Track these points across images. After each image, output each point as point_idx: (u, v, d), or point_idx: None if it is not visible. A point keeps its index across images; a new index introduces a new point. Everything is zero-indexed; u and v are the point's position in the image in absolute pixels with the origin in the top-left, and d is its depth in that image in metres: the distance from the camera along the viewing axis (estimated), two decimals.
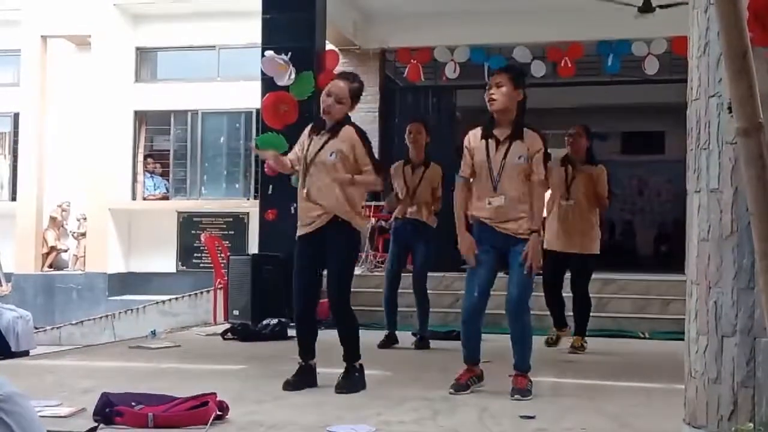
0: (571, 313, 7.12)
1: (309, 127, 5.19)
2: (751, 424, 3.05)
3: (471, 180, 4.95)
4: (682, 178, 3.56)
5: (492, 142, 4.86)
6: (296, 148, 5.15)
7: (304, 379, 5.04)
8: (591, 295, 7.16)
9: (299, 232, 5.05)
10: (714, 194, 3.29)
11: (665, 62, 11.71)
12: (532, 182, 4.84)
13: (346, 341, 5.07)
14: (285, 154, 5.32)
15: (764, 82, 3.07)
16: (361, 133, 5.08)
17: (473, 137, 4.95)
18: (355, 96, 5.12)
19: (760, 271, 2.15)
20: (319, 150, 4.98)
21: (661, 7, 9.74)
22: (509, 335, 4.99)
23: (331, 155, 4.94)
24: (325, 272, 5.18)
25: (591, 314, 7.12)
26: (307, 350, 5.09)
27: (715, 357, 3.25)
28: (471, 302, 4.94)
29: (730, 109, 2.66)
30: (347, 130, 5.03)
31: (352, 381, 4.99)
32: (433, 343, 7.31)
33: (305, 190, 4.97)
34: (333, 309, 5.14)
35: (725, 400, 3.20)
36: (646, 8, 10.02)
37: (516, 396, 4.75)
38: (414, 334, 7.84)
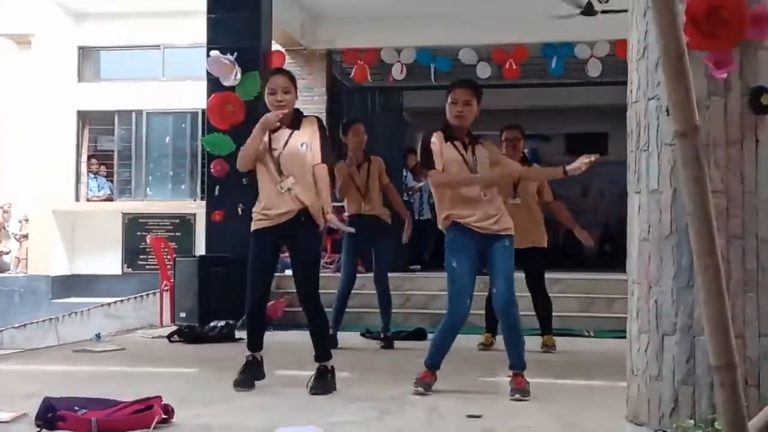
0: (533, 314, 7.20)
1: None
2: (692, 421, 3.12)
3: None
4: (625, 179, 3.62)
5: (459, 145, 5.00)
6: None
7: (253, 373, 5.05)
8: None
9: (259, 225, 5.02)
10: (654, 195, 3.36)
11: (608, 64, 11.90)
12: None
13: (320, 338, 5.10)
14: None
15: (700, 86, 3.17)
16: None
17: (438, 139, 5.01)
18: (295, 82, 5.21)
19: (698, 271, 2.20)
20: (286, 143, 5.01)
21: (604, 12, 9.91)
22: (503, 334, 5.03)
23: (302, 146, 5.02)
24: (288, 271, 5.20)
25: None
26: (257, 343, 5.10)
27: (656, 355, 3.32)
28: (464, 311, 4.94)
29: (668, 111, 2.72)
30: (310, 120, 5.16)
31: (325, 382, 5.00)
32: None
33: (278, 184, 4.95)
34: (307, 304, 5.11)
35: (666, 398, 3.27)
36: (588, 11, 10.19)
37: (516, 396, 4.77)
38: (363, 335, 7.88)
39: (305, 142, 5.03)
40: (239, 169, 5.18)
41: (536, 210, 7.13)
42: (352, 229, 6.03)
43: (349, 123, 7.52)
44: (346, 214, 7.40)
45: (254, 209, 5.10)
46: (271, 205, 5.00)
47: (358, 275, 7.50)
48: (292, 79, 5.18)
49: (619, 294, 8.67)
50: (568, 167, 4.96)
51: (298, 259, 5.11)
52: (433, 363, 5.01)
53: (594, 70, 12.10)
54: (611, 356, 6.22)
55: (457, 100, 5.00)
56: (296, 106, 5.21)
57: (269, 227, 5.00)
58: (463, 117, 4.99)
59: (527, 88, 13.73)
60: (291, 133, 5.05)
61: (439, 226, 5.11)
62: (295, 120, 5.11)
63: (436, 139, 5.00)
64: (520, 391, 4.80)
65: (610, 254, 16.27)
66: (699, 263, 2.17)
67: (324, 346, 5.11)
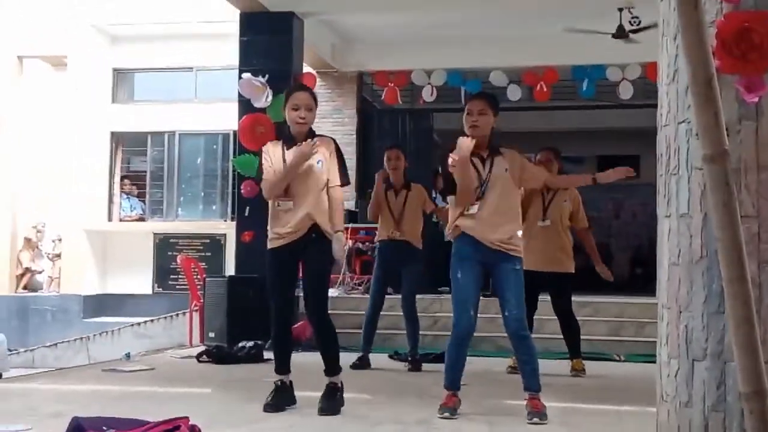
0: (562, 337, 7.15)
1: (275, 143, 5.22)
2: None
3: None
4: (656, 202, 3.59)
5: (477, 161, 4.96)
6: (269, 163, 5.10)
7: (283, 398, 5.04)
8: None
9: (274, 245, 5.03)
10: (684, 219, 3.32)
11: (639, 87, 11.84)
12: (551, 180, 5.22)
13: (330, 353, 5.07)
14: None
15: (731, 110, 3.14)
16: (337, 147, 5.19)
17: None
18: (316, 100, 5.22)
19: (727, 296, 2.18)
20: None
21: (632, 32, 9.88)
22: (516, 356, 5.00)
23: (317, 163, 5.02)
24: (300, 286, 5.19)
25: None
26: (285, 365, 5.08)
27: (686, 381, 3.27)
28: (467, 322, 4.84)
29: (698, 135, 2.70)
30: (326, 140, 5.17)
31: (334, 402, 4.99)
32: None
33: (290, 201, 4.97)
34: (317, 319, 5.09)
35: (696, 424, 3.22)
36: (620, 34, 10.16)
37: (534, 419, 4.71)
38: (391, 357, 7.86)
39: (321, 160, 5.04)
40: (266, 197, 5.13)
41: (564, 235, 7.04)
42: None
43: (388, 147, 7.56)
44: (377, 239, 7.42)
45: (269, 228, 5.11)
46: (281, 222, 5.01)
47: (388, 296, 7.49)
48: (314, 96, 5.21)
49: (649, 318, 8.58)
50: (597, 174, 4.93)
51: (307, 272, 5.11)
52: (451, 383, 4.93)
53: (625, 92, 12.04)
54: (641, 381, 6.14)
55: (471, 111, 4.99)
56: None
57: (283, 245, 5.00)
58: (477, 127, 4.96)
59: (558, 110, 13.70)
60: None
61: (447, 235, 5.09)
62: (309, 137, 5.09)
63: (452, 159, 4.95)
64: (538, 414, 4.75)
65: (641, 277, 16.12)
66: (728, 290, 2.15)
67: (334, 361, 5.09)
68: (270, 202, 5.09)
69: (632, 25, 10.22)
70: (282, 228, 5.00)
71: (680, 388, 3.29)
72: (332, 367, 5.07)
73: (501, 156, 5.03)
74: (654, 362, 3.57)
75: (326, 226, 5.00)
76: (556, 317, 7.18)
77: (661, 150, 3.52)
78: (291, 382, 5.12)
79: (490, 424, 4.69)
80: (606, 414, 5.27)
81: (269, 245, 5.07)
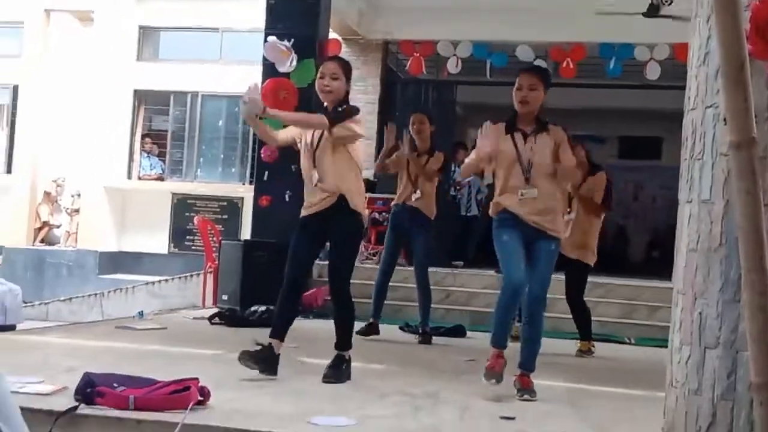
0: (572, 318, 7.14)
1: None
2: None
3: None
4: (677, 185, 3.55)
5: (519, 135, 4.86)
6: (293, 132, 5.13)
7: (264, 359, 4.87)
8: None
9: (304, 213, 5.08)
10: (705, 205, 3.28)
11: (667, 68, 11.70)
12: (562, 167, 4.81)
13: (343, 328, 5.08)
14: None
15: (761, 97, 3.08)
16: (353, 106, 5.12)
17: (494, 132, 4.84)
18: (348, 71, 5.15)
19: (744, 286, 2.14)
20: (322, 134, 4.99)
21: (664, 16, 9.74)
22: (521, 333, 4.95)
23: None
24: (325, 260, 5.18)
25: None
26: (279, 332, 4.98)
27: (697, 368, 3.25)
28: (520, 277, 4.71)
29: (725, 120, 2.66)
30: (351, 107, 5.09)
31: (339, 371, 4.99)
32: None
33: (314, 177, 4.97)
34: (336, 291, 5.11)
35: (704, 412, 3.20)
36: (651, 13, 10.02)
37: (525, 396, 4.69)
38: (402, 328, 7.86)
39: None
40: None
41: (590, 226, 7.00)
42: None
43: (413, 112, 7.56)
44: (393, 202, 7.43)
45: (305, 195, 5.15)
46: (310, 194, 5.05)
47: (400, 267, 7.48)
48: (344, 66, 5.14)
49: (663, 302, 8.54)
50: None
51: (333, 244, 5.13)
52: (498, 341, 4.80)
53: (653, 72, 11.90)
54: (652, 365, 6.13)
55: (522, 86, 4.86)
56: (352, 95, 5.21)
57: (311, 214, 5.03)
58: (527, 102, 4.84)
59: (583, 88, 13.57)
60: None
61: (490, 212, 5.03)
62: (338, 107, 5.05)
63: (488, 131, 4.85)
64: (528, 391, 4.72)
65: (657, 261, 16.04)
66: (746, 278, 2.11)
67: (346, 336, 5.08)
68: (302, 171, 5.09)
69: (664, 4, 10.07)
70: (310, 198, 5.03)
71: (690, 375, 3.27)
72: (344, 342, 5.07)
73: (546, 133, 4.88)
74: (665, 347, 3.55)
75: (354, 199, 4.98)
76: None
77: (687, 134, 3.47)
78: (279, 354, 4.97)
79: (497, 401, 4.68)
80: (614, 397, 5.26)
81: (301, 213, 5.10)
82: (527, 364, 4.84)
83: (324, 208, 4.98)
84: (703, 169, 3.31)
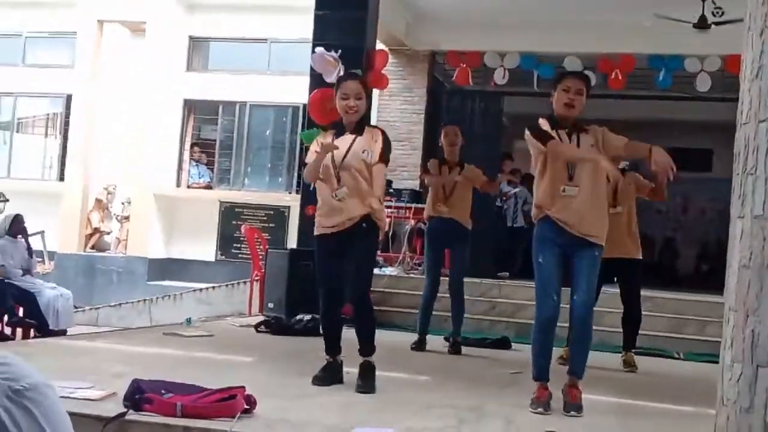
0: (620, 331, 7.07)
1: (326, 134, 5.26)
2: None
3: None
4: (728, 198, 3.50)
5: (563, 133, 4.83)
6: (316, 147, 5.13)
7: (331, 375, 5.09)
8: None
9: (322, 231, 5.10)
10: (758, 221, 3.23)
11: (717, 80, 11.54)
12: (626, 144, 4.82)
13: (367, 335, 5.10)
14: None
15: None
16: (385, 134, 5.17)
17: (544, 124, 4.87)
18: (368, 88, 5.25)
19: None
20: (349, 149, 5.03)
21: (716, 24, 9.62)
22: (569, 343, 4.91)
23: (363, 152, 5.02)
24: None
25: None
26: (333, 347, 5.14)
27: (749, 386, 3.19)
28: (551, 307, 4.70)
29: None
30: (374, 130, 5.19)
31: (371, 380, 5.01)
32: (464, 350, 7.29)
33: (338, 194, 4.99)
34: (356, 302, 5.13)
35: (756, 431, 3.14)
36: (702, 25, 9.89)
37: (572, 412, 4.63)
38: (447, 339, 7.83)
39: (367, 149, 5.04)
40: (306, 182, 5.29)
41: (633, 220, 6.97)
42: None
43: (445, 124, 7.56)
44: (425, 214, 7.44)
45: (316, 213, 5.17)
46: (329, 213, 5.06)
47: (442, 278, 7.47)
48: (364, 84, 5.19)
49: (713, 317, 8.41)
50: (654, 150, 4.70)
51: (354, 262, 5.12)
52: (539, 374, 4.78)
53: (703, 84, 11.75)
54: (701, 381, 6.03)
55: (569, 88, 4.83)
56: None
57: (331, 234, 5.05)
58: (573, 106, 4.82)
59: (632, 99, 13.44)
60: (354, 139, 5.06)
61: (532, 217, 5.00)
62: (357, 127, 5.11)
63: (542, 123, 4.85)
64: (575, 407, 4.65)
65: (706, 274, 15.80)
66: None
67: (370, 341, 5.09)
68: (318, 187, 5.13)
69: (715, 16, 9.95)
70: (329, 218, 5.05)
71: (742, 393, 3.21)
72: (369, 347, 5.09)
73: (585, 133, 4.85)
74: (714, 362, 3.49)
75: (375, 215, 5.01)
76: (615, 310, 7.07)
77: (739, 148, 3.41)
78: (341, 361, 5.15)
79: (542, 414, 4.65)
80: (662, 413, 5.19)
81: (316, 231, 5.14)
82: (577, 371, 4.80)
83: (345, 228, 5.00)
84: (756, 184, 3.26)
